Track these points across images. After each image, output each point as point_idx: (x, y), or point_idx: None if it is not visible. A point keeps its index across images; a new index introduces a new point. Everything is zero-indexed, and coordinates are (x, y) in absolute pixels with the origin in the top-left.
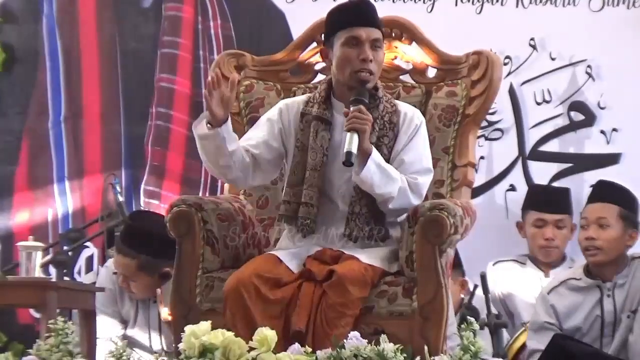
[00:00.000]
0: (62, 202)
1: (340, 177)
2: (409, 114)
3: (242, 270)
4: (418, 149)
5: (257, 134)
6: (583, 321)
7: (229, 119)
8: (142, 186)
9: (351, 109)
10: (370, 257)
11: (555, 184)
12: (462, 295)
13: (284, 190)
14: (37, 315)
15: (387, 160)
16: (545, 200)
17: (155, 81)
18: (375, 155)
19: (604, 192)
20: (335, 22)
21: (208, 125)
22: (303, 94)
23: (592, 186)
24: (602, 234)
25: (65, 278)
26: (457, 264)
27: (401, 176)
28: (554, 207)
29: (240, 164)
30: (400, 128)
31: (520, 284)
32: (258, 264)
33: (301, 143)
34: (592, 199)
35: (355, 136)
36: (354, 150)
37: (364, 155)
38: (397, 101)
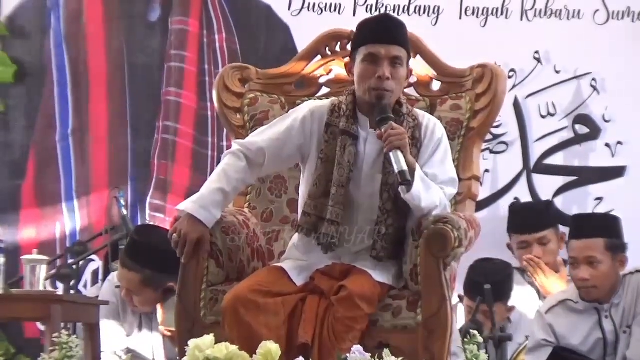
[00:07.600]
0: (69, 216)
1: (361, 195)
2: (430, 126)
3: (240, 286)
4: (441, 162)
5: (273, 137)
6: (581, 342)
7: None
8: (148, 200)
9: (382, 129)
10: (382, 274)
11: (560, 197)
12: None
13: (304, 201)
14: (43, 328)
15: None
16: (523, 222)
17: (162, 94)
18: (418, 168)
19: (586, 226)
20: (359, 37)
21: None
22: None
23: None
24: (593, 272)
25: (71, 291)
26: (506, 293)
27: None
28: (533, 227)
29: (244, 183)
30: (422, 142)
31: (526, 297)
32: (259, 278)
33: (325, 155)
34: (576, 235)
35: (399, 153)
36: (405, 167)
37: (411, 171)
38: (417, 112)
